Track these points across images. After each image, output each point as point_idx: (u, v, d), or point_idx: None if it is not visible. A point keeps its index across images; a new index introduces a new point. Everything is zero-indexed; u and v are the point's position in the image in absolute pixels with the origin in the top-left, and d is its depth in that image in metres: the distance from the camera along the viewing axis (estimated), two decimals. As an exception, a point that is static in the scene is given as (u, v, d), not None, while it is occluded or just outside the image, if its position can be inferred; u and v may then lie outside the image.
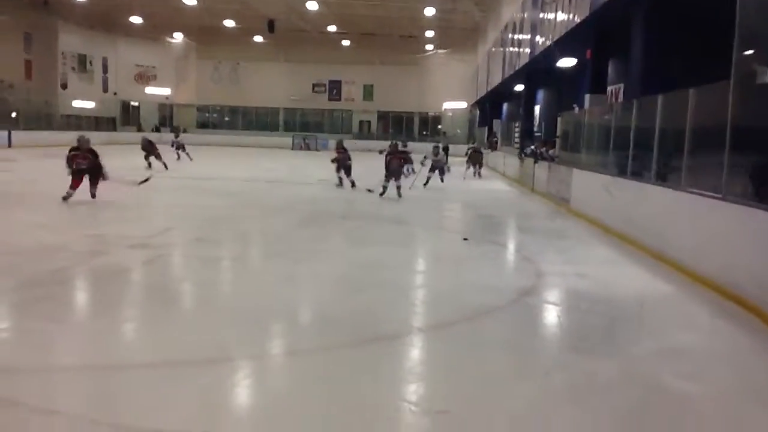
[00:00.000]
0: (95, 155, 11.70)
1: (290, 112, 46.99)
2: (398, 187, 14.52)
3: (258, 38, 42.38)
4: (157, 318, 5.38)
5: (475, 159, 22.75)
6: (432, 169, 17.54)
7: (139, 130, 42.20)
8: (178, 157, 23.77)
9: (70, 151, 11.64)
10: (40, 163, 22.31)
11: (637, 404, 3.95)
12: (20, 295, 5.81)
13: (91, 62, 42.10)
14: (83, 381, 4.08)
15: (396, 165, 14.82)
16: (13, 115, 34.40)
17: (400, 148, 15.67)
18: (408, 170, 17.46)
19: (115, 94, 44.01)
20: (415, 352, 4.93)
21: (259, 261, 8.31)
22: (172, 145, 24.40)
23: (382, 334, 5.09)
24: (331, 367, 4.38)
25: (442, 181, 17.95)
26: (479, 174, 22.52)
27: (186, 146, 24.89)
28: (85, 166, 11.54)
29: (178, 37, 44.67)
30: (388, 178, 14.63)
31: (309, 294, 6.40)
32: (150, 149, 20.68)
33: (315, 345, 4.83)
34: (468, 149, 24.90)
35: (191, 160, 23.65)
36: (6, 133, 30.90)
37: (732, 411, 4.05)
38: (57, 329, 4.95)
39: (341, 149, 16.24)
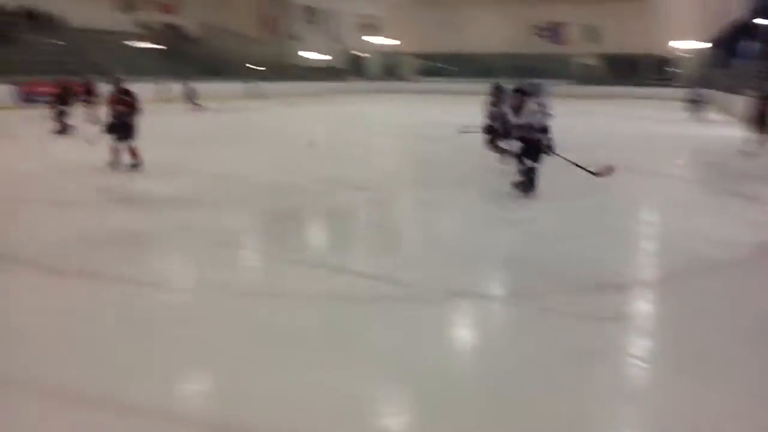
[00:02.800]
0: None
1: (508, 57, 45.83)
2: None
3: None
4: (381, 254, 5.66)
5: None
6: None
7: (367, 79, 43.69)
8: None
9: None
10: (276, 109, 24.20)
11: None
12: (262, 227, 6.46)
13: (322, 15, 44.18)
14: (317, 308, 4.41)
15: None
16: (253, 67, 37.20)
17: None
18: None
19: (343, 46, 45.86)
20: (639, 305, 4.65)
21: (475, 204, 8.27)
22: None
23: (606, 283, 4.86)
24: (548, 315, 4.28)
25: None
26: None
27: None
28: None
29: (398, -15, 45.29)
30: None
31: (528, 239, 6.28)
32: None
33: (535, 289, 4.74)
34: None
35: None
36: (246, 84, 33.63)
37: None
38: (289, 265, 5.37)
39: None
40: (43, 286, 4.71)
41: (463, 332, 4.18)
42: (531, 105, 8.05)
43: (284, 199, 7.81)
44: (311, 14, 43.71)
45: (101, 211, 7.01)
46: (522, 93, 8.27)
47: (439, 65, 49.00)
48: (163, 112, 18.33)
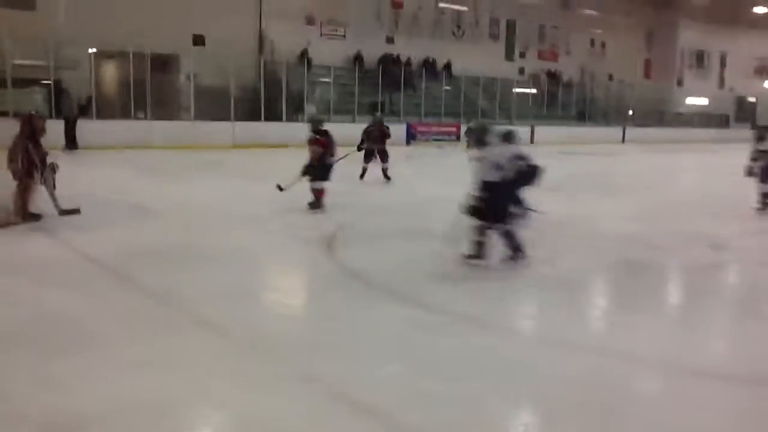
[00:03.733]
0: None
1: None
2: None
3: None
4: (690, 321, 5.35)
5: None
6: None
7: (753, 127, 39.73)
8: None
9: None
10: (645, 156, 23.47)
11: None
12: (584, 277, 6.52)
13: (708, 58, 41.59)
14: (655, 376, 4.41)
15: None
16: (630, 112, 36.71)
17: None
18: None
19: (730, 90, 42.48)
20: None
21: None
22: None
23: None
24: None
25: None
26: None
27: None
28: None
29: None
30: None
31: None
32: None
33: None
34: None
35: None
36: (621, 129, 33.39)
37: None
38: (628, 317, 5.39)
39: None
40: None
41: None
42: None
43: (632, 251, 7.71)
44: (699, 58, 41.29)
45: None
46: None
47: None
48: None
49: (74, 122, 17.94)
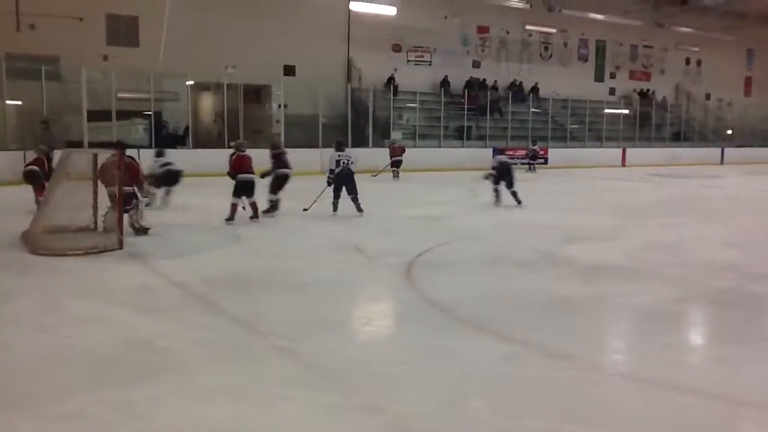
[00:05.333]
0: None
1: None
2: None
3: None
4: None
5: None
6: None
7: None
8: None
9: None
10: (746, 178, 22.37)
11: None
12: (677, 307, 6.28)
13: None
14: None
15: None
16: (729, 132, 35.19)
17: None
18: None
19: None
20: None
21: None
22: None
23: None
24: None
25: None
26: None
27: None
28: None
29: None
30: None
31: None
32: None
33: None
34: None
35: None
36: (719, 149, 32.00)
37: None
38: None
39: None
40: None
41: None
42: None
43: (728, 279, 7.37)
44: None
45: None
46: None
47: None
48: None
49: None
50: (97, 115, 18.84)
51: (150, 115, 20.12)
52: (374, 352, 4.98)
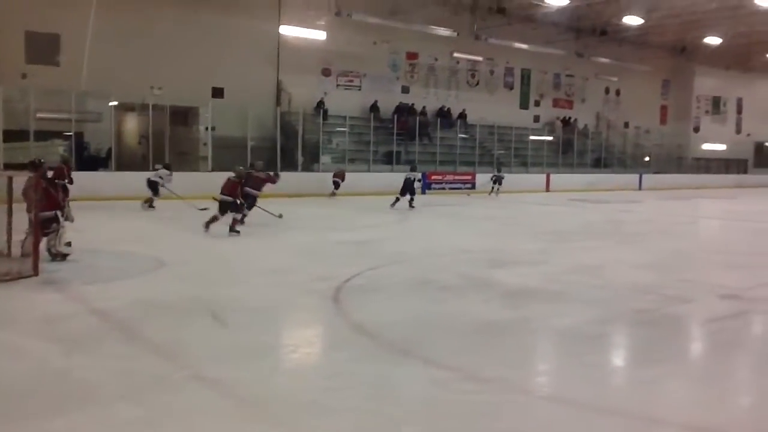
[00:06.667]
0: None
1: None
2: None
3: None
4: (709, 378, 5.22)
5: None
6: None
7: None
8: None
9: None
10: (662, 203, 23.34)
11: None
12: (598, 329, 6.43)
13: (724, 104, 41.65)
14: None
15: None
16: (646, 158, 36.75)
17: None
18: None
19: (748, 135, 42.34)
20: None
21: None
22: None
23: None
24: None
25: None
26: None
27: None
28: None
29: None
30: None
31: None
32: None
33: None
34: None
35: None
36: (638, 175, 33.34)
37: None
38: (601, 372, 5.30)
39: None
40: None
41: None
42: None
43: (644, 301, 7.62)
44: (715, 104, 41.44)
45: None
46: None
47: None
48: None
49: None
50: (14, 136, 18.11)
51: (71, 135, 19.45)
52: (300, 380, 4.90)
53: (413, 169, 18.80)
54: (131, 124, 22.85)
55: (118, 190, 17.85)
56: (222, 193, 11.73)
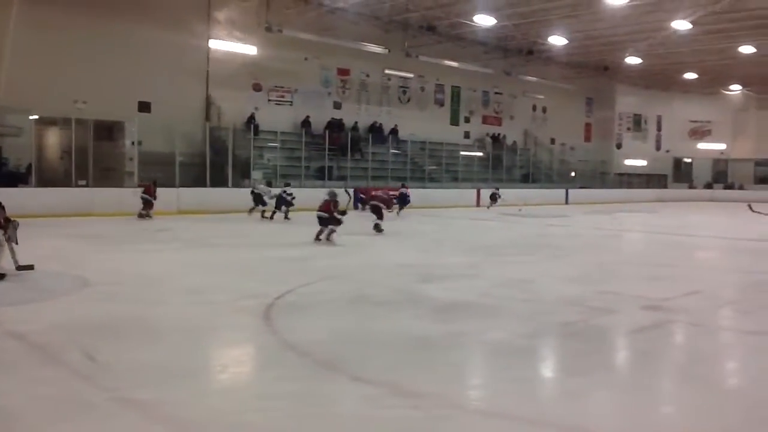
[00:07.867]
0: None
1: None
2: None
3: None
4: (634, 387, 5.36)
5: None
6: None
7: (691, 187, 41.78)
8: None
9: None
10: (587, 217, 24.05)
11: None
12: (528, 342, 6.54)
13: (645, 121, 43.43)
14: None
15: None
16: (572, 174, 37.92)
17: None
18: None
19: (667, 151, 44.22)
20: None
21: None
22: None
23: None
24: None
25: None
26: None
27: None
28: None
29: (735, 89, 42.59)
30: None
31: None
32: None
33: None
34: None
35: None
36: (564, 190, 34.34)
37: None
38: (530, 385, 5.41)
39: None
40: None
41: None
42: None
43: (570, 313, 7.80)
44: (636, 122, 43.18)
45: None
46: None
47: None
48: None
49: None
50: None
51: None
52: (230, 401, 4.79)
53: (287, 185, 20.46)
54: (53, 138, 22.04)
55: (39, 207, 17.17)
56: (319, 210, 13.68)
